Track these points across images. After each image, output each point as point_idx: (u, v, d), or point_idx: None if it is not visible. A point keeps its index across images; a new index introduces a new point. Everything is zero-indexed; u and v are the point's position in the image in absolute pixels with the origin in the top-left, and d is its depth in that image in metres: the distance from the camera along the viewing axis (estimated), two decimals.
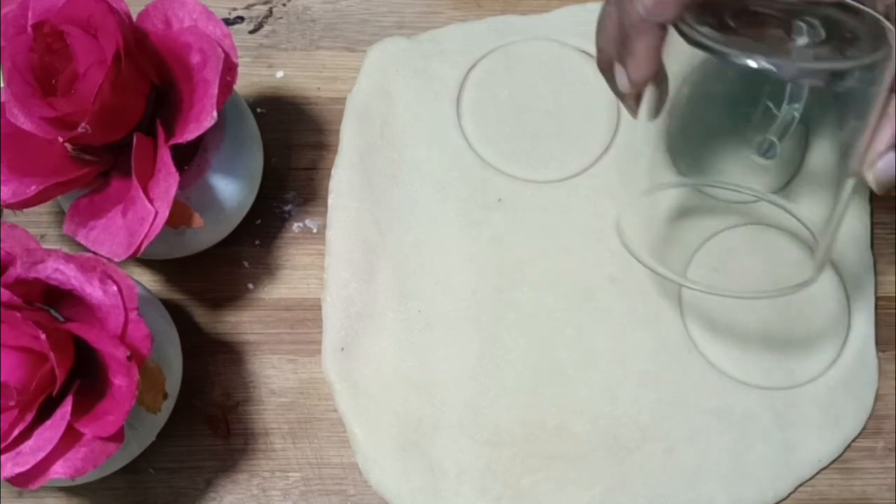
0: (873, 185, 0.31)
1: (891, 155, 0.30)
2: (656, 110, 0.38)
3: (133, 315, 0.35)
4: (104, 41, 0.35)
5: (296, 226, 0.46)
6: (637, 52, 0.34)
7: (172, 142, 0.37)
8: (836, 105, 0.34)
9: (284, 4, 0.50)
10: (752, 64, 0.31)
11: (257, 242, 0.45)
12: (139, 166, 0.37)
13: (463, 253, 0.44)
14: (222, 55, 0.37)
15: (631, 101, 0.38)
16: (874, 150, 0.30)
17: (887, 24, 0.31)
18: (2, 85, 0.37)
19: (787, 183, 0.45)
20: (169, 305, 0.43)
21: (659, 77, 0.36)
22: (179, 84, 0.38)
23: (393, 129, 0.47)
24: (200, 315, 0.44)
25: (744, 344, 0.44)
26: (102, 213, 0.38)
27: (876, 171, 0.30)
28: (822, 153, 0.45)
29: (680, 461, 0.42)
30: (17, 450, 0.34)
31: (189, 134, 0.37)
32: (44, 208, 0.45)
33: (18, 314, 0.33)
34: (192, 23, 0.38)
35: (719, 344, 0.44)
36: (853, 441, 0.43)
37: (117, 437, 0.34)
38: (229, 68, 0.38)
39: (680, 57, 0.35)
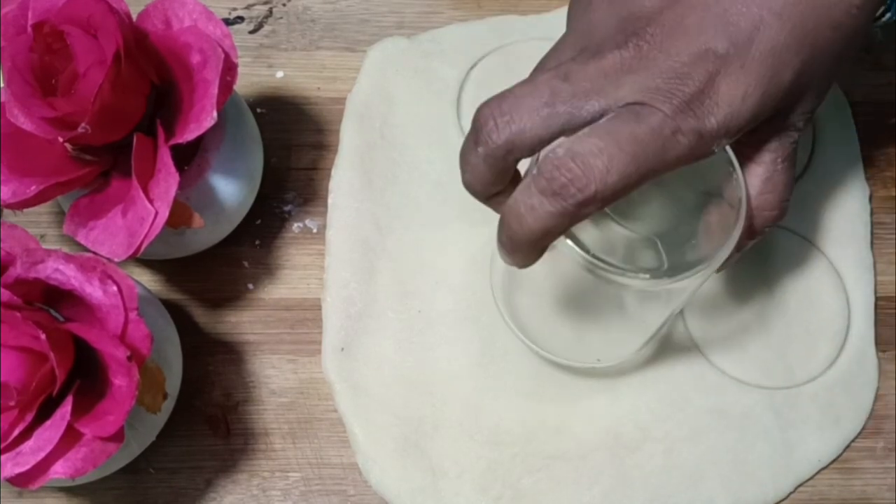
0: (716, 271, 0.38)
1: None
2: None
3: (133, 315, 0.35)
4: (104, 41, 0.35)
5: (296, 226, 0.46)
6: (526, 258, 0.33)
7: (172, 142, 0.37)
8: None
9: (284, 4, 0.50)
10: (626, 279, 0.33)
11: (257, 242, 0.45)
12: (139, 166, 0.37)
13: (463, 253, 0.44)
14: (222, 55, 0.37)
15: None
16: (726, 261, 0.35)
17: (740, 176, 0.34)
18: (2, 85, 0.37)
19: None
20: (169, 305, 0.43)
21: None
22: (179, 84, 0.38)
23: (393, 129, 0.47)
24: (200, 315, 0.44)
25: (744, 344, 0.44)
26: (102, 214, 0.38)
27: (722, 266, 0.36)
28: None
29: (680, 461, 0.42)
30: (18, 450, 0.34)
31: (189, 134, 0.37)
32: (44, 208, 0.45)
33: (18, 314, 0.33)
34: (192, 23, 0.38)
35: (719, 344, 0.44)
36: (853, 441, 0.43)
37: (117, 437, 0.34)
38: (229, 68, 0.38)
39: None
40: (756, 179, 0.35)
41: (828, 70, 0.33)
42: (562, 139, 0.31)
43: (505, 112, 0.31)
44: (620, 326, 0.41)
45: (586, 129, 0.30)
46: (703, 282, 0.35)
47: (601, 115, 0.30)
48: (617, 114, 0.30)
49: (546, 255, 0.34)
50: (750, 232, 0.36)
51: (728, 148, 0.33)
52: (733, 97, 0.30)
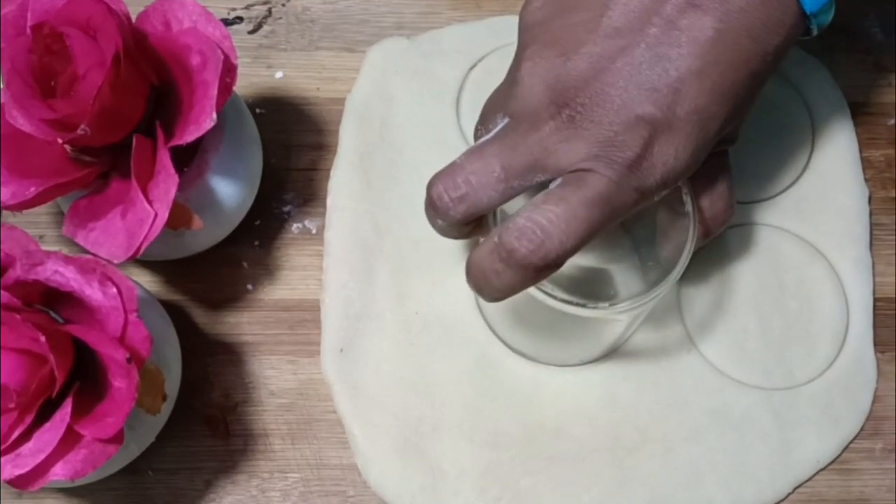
0: None
1: None
2: None
3: (132, 317, 0.35)
4: (103, 43, 0.35)
5: (295, 226, 0.46)
6: (490, 301, 0.36)
7: (172, 143, 0.37)
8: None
9: (284, 5, 0.50)
10: (589, 312, 0.35)
11: (256, 243, 0.45)
12: (138, 168, 0.37)
13: (460, 254, 0.44)
14: (222, 57, 0.37)
15: None
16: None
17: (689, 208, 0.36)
18: (1, 86, 0.37)
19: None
20: (168, 306, 0.43)
21: None
22: (179, 85, 0.38)
23: (392, 129, 0.47)
24: (200, 316, 0.44)
25: (743, 344, 0.44)
26: (102, 215, 0.38)
27: None
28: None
29: (679, 462, 0.42)
30: (17, 452, 0.34)
31: (188, 135, 0.37)
32: (43, 209, 0.45)
33: (18, 316, 0.33)
34: (191, 24, 0.38)
35: (719, 344, 0.44)
36: (852, 442, 0.43)
37: (117, 438, 0.34)
38: (229, 70, 0.38)
39: None
40: (704, 194, 0.38)
41: (750, 102, 0.35)
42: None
43: (459, 186, 0.34)
44: (580, 337, 0.42)
45: (541, 197, 0.33)
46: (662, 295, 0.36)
47: (549, 181, 0.33)
48: (566, 180, 0.33)
49: None
50: (706, 234, 0.39)
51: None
52: (667, 156, 0.32)
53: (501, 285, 0.34)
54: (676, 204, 0.37)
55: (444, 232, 0.37)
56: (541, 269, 0.33)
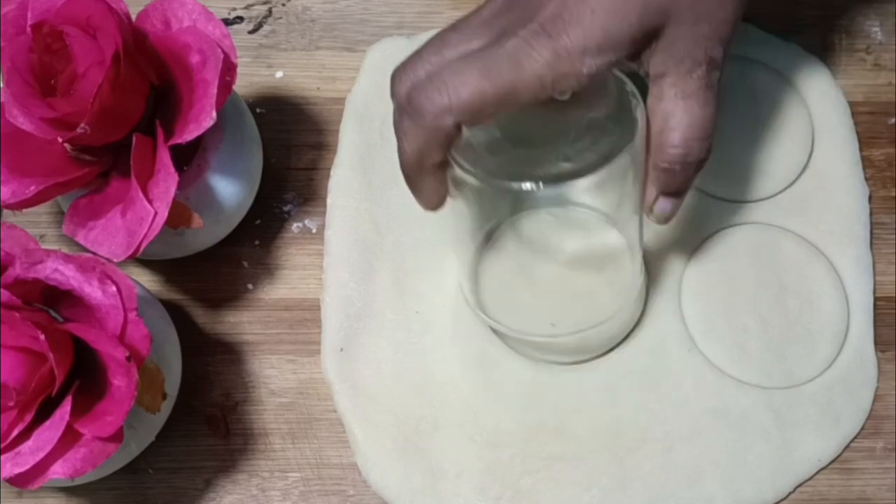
0: (654, 221, 0.39)
1: (660, 201, 0.38)
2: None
3: (132, 315, 0.35)
4: (103, 42, 0.35)
5: (295, 226, 0.46)
6: (423, 191, 0.37)
7: (172, 142, 0.37)
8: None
9: (284, 4, 0.50)
10: (514, 187, 0.35)
11: (257, 242, 0.45)
12: (138, 167, 0.37)
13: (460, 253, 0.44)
14: (221, 55, 0.37)
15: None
16: (647, 201, 0.38)
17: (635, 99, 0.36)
18: (1, 85, 0.37)
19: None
20: (168, 306, 0.43)
21: None
22: (179, 84, 0.38)
23: (392, 129, 0.47)
24: (200, 315, 0.44)
25: (743, 344, 0.43)
26: (102, 214, 0.38)
27: (655, 212, 0.39)
28: None
29: (679, 461, 0.42)
30: (17, 450, 0.34)
31: (188, 134, 0.37)
32: (43, 208, 0.45)
33: (18, 314, 0.33)
34: (191, 23, 0.38)
35: (719, 344, 0.44)
36: (852, 441, 0.43)
37: (116, 437, 0.34)
38: (228, 69, 0.38)
39: None
40: (657, 116, 0.36)
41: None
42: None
43: (407, 68, 0.35)
44: (572, 296, 0.42)
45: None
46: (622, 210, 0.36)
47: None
48: (484, 45, 0.34)
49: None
50: (657, 169, 0.37)
51: (628, 81, 0.35)
52: (581, 15, 0.33)
53: (409, 146, 0.34)
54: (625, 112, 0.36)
55: (415, 168, 0.36)
56: (436, 116, 0.33)
